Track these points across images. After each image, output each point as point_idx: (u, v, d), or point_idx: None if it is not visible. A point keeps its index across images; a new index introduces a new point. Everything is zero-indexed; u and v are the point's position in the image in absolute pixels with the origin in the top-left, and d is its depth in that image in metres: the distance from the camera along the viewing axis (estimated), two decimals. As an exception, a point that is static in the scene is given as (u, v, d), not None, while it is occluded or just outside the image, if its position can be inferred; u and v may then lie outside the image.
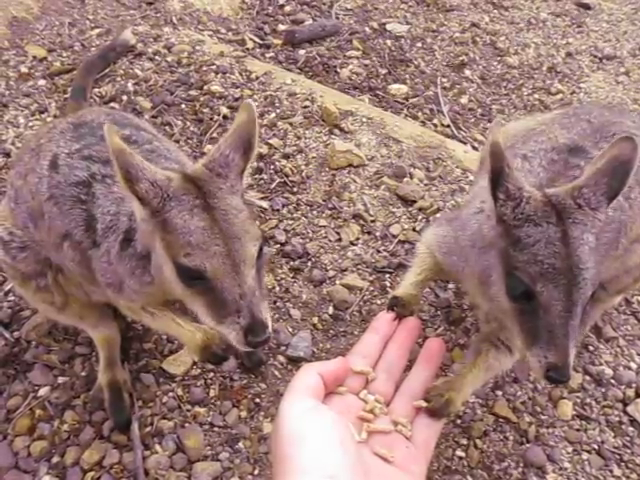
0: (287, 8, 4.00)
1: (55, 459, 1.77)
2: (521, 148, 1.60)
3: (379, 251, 2.38)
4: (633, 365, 2.10)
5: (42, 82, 3.02)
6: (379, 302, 2.20)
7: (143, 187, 1.17)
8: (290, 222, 2.46)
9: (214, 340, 1.49)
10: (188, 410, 1.89)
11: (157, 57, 3.22)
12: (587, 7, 4.46)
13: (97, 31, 3.37)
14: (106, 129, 1.14)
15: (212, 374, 1.97)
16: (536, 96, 3.62)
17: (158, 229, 1.19)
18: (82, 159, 1.51)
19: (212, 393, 1.93)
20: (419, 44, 3.90)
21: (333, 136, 2.84)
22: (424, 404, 1.18)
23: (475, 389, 1.52)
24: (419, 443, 1.10)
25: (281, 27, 3.82)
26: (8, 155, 2.64)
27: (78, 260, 1.54)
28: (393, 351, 1.22)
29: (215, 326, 1.17)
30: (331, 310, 2.17)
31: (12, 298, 2.13)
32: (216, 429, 1.86)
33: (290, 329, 2.10)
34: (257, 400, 1.92)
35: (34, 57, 3.13)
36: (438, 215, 2.50)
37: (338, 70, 3.52)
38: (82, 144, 1.53)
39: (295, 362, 2.01)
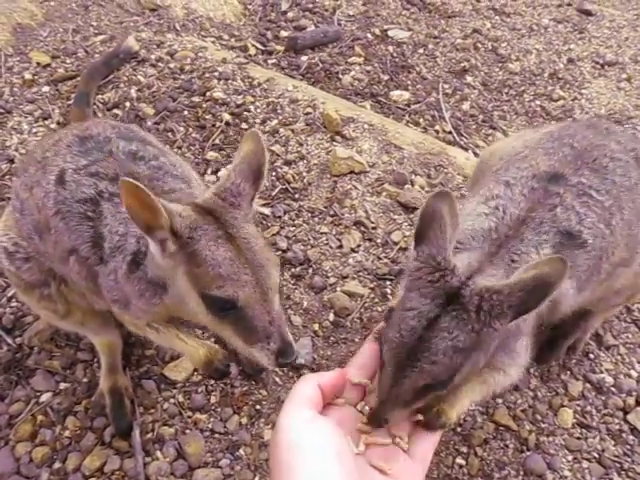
0: (289, 14, 4.02)
1: (57, 465, 1.78)
2: (504, 174, 1.60)
3: (380, 258, 2.38)
4: (634, 373, 2.10)
5: (46, 88, 3.04)
6: (380, 309, 2.21)
7: (177, 222, 1.16)
8: (291, 229, 2.47)
9: (217, 355, 1.51)
10: (189, 416, 1.89)
11: (160, 63, 3.24)
12: (589, 13, 4.47)
13: (100, 38, 3.39)
14: (133, 186, 1.11)
15: (213, 381, 1.97)
16: (538, 102, 3.63)
17: (183, 263, 1.19)
18: (89, 176, 1.50)
19: (213, 400, 1.94)
20: (421, 50, 3.91)
21: (335, 143, 2.85)
22: (420, 417, 1.18)
23: (473, 402, 1.51)
24: (416, 456, 1.10)
25: (283, 33, 3.84)
26: (12, 161, 2.65)
27: (84, 274, 1.55)
28: None
29: (245, 350, 1.17)
30: (332, 317, 2.18)
31: (15, 304, 2.14)
32: (217, 436, 1.86)
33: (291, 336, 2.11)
34: (258, 407, 1.93)
35: (38, 64, 3.15)
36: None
37: (340, 76, 3.54)
38: (89, 160, 1.53)
39: (296, 369, 2.02)
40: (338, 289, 2.26)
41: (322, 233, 2.46)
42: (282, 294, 1.25)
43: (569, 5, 4.57)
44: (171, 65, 3.24)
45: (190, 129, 2.89)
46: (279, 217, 2.52)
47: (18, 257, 1.69)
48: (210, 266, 1.15)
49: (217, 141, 2.83)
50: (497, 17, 4.36)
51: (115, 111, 2.94)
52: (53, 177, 1.54)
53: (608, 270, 1.60)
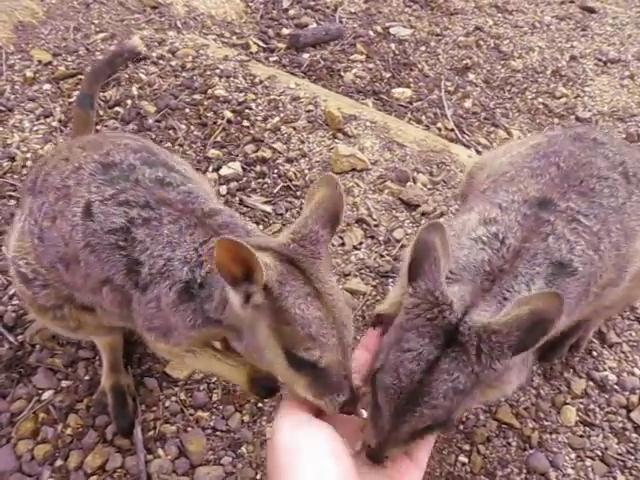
0: (291, 12, 4.01)
1: (58, 463, 1.78)
2: (494, 197, 1.59)
3: (382, 255, 2.38)
4: (637, 371, 2.09)
5: (47, 86, 3.03)
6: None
7: (267, 275, 1.09)
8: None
9: (261, 372, 1.46)
10: (191, 414, 1.89)
11: (161, 61, 3.23)
12: (591, 11, 4.45)
13: (102, 35, 3.38)
14: (230, 241, 1.05)
15: (215, 378, 1.97)
16: (540, 100, 3.62)
17: (269, 317, 1.13)
18: (118, 205, 1.44)
19: (215, 397, 1.93)
20: (423, 48, 3.90)
21: (337, 140, 2.85)
22: None
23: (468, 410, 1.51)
24: (413, 456, 1.11)
25: (285, 31, 3.82)
26: (13, 159, 2.65)
27: (118, 302, 1.49)
28: None
29: (313, 399, 1.15)
30: (334, 315, 2.17)
31: (16, 302, 2.14)
32: (219, 433, 1.86)
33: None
34: (260, 405, 1.92)
35: (39, 61, 3.14)
36: (441, 220, 2.50)
37: (342, 74, 3.53)
38: (116, 189, 1.46)
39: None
40: (340, 287, 2.25)
41: (324, 231, 2.45)
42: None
43: (572, 2, 4.55)
44: (172, 63, 3.23)
45: (191, 127, 2.88)
46: (281, 214, 2.51)
47: (36, 284, 1.64)
48: (300, 325, 1.09)
49: (219, 139, 2.83)
50: (499, 14, 4.35)
51: (117, 109, 2.93)
52: (79, 209, 1.47)
53: (596, 292, 1.59)
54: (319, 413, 1.10)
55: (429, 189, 2.66)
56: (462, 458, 1.86)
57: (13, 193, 2.52)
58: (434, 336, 1.14)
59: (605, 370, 2.09)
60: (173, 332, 1.43)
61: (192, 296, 1.34)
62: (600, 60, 3.96)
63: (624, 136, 3.37)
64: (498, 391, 1.44)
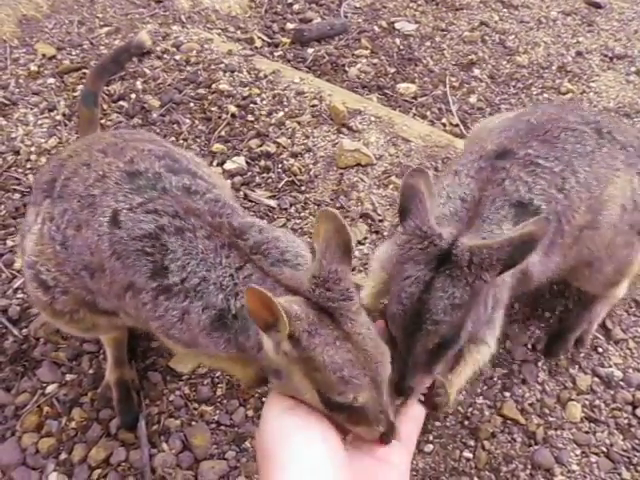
0: (296, 7, 4.00)
1: (63, 456, 1.78)
2: (453, 164, 1.66)
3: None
4: (643, 367, 2.09)
5: (51, 80, 3.03)
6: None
7: (295, 326, 1.08)
8: (298, 221, 2.46)
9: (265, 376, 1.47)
10: (195, 409, 1.89)
11: (166, 55, 3.23)
12: (598, 6, 4.42)
13: (106, 29, 3.38)
14: (255, 292, 1.04)
15: (219, 373, 1.97)
16: (545, 95, 3.59)
17: (301, 364, 1.12)
18: (147, 213, 1.42)
19: (219, 392, 1.93)
20: (428, 43, 3.88)
21: (341, 135, 2.84)
22: (421, 397, 1.23)
23: (467, 378, 1.61)
24: (401, 436, 1.11)
25: (289, 26, 3.81)
26: (17, 153, 2.65)
27: (138, 307, 1.47)
28: None
29: (352, 428, 1.14)
30: (338, 309, 2.16)
31: (21, 295, 2.14)
32: (223, 428, 1.86)
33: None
34: (264, 399, 1.92)
35: (43, 55, 3.14)
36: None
37: (346, 69, 3.51)
38: (144, 198, 1.44)
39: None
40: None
41: (328, 226, 2.44)
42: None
43: (578, -3, 4.53)
44: (177, 57, 3.22)
45: (196, 121, 2.88)
46: (285, 209, 2.50)
47: (57, 291, 1.62)
48: (330, 371, 1.08)
49: (223, 133, 2.82)
50: (505, 9, 4.32)
51: (121, 103, 2.93)
52: (106, 219, 1.45)
53: (573, 234, 1.65)
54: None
55: (434, 184, 2.65)
56: (467, 454, 1.85)
57: (17, 187, 2.52)
58: (428, 261, 1.26)
59: (611, 366, 2.08)
60: (197, 346, 1.42)
61: (226, 326, 1.33)
62: (606, 56, 3.93)
63: (630, 132, 3.35)
64: (487, 346, 1.56)
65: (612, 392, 2.01)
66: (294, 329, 1.08)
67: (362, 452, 1.06)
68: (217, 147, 2.75)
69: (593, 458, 1.86)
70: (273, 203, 2.52)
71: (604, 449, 1.88)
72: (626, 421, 1.95)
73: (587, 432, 1.92)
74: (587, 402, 1.99)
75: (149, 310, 1.42)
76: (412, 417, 1.18)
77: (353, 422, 1.12)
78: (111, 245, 1.43)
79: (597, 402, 1.99)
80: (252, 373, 1.53)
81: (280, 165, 2.68)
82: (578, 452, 1.88)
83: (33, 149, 2.68)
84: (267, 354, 1.18)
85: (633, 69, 3.82)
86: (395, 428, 1.12)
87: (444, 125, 3.22)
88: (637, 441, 1.90)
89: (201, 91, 3.02)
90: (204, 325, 1.35)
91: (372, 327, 1.16)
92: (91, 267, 1.51)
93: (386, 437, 1.10)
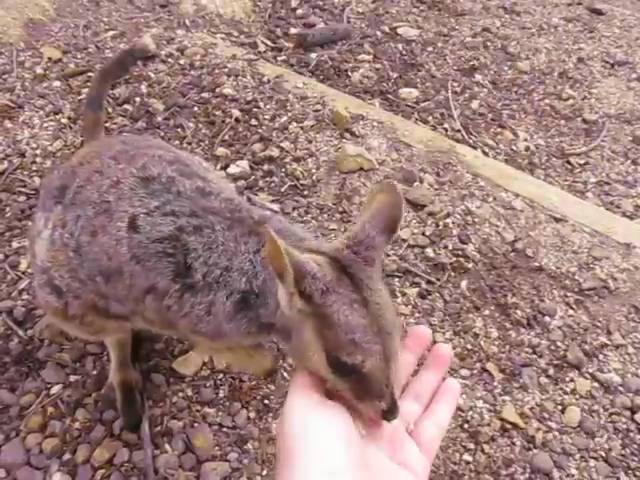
0: (299, 11, 4.03)
1: (66, 456, 1.79)
2: None
3: (388, 255, 2.39)
4: (642, 373, 2.10)
5: (57, 83, 3.05)
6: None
7: (307, 282, 1.08)
8: (300, 225, 2.48)
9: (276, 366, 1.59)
10: (197, 410, 1.91)
11: (170, 59, 3.26)
12: (599, 12, 4.45)
13: (111, 33, 3.41)
14: (268, 236, 1.04)
15: (222, 375, 1.99)
16: (547, 101, 3.62)
17: (312, 320, 1.12)
18: (164, 215, 1.44)
19: (221, 394, 1.95)
20: (430, 48, 3.91)
21: (344, 140, 2.86)
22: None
23: None
24: (423, 443, 1.11)
25: (293, 30, 3.84)
26: (23, 155, 2.67)
27: (160, 310, 1.49)
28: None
29: (354, 403, 1.17)
30: (340, 313, 2.18)
31: (26, 297, 2.16)
32: (225, 429, 1.87)
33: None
34: (266, 401, 1.94)
35: (49, 58, 3.17)
36: (447, 220, 2.52)
37: (349, 74, 3.54)
38: (161, 201, 1.46)
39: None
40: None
41: (331, 230, 2.46)
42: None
43: (579, 4, 4.56)
44: (181, 61, 3.25)
45: (200, 125, 2.90)
46: (288, 213, 2.52)
47: (69, 296, 1.64)
48: (342, 331, 1.09)
49: (226, 137, 2.84)
50: (507, 16, 4.35)
51: (125, 106, 2.95)
52: (124, 224, 1.47)
53: None
54: (330, 394, 1.11)
55: (435, 189, 2.67)
56: (466, 457, 1.87)
57: (23, 189, 2.54)
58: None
59: (610, 371, 2.09)
60: (223, 338, 1.44)
61: (249, 305, 1.35)
62: (607, 62, 3.96)
63: (631, 139, 3.37)
64: None
65: (611, 397, 2.02)
66: (305, 285, 1.08)
67: (385, 457, 1.04)
68: (221, 151, 2.77)
69: (592, 462, 1.88)
70: (276, 207, 2.54)
71: (603, 454, 1.90)
72: (625, 426, 1.96)
73: (586, 436, 1.93)
74: (586, 407, 2.00)
75: (175, 311, 1.44)
76: (435, 423, 1.14)
77: (357, 393, 1.11)
78: (130, 249, 1.45)
79: (596, 407, 2.00)
80: (266, 364, 1.59)
81: (283, 169, 2.71)
82: (577, 456, 1.89)
83: (39, 152, 2.70)
84: (282, 310, 1.19)
85: (634, 76, 3.85)
86: (398, 407, 1.10)
87: (446, 130, 3.24)
88: (636, 446, 1.92)
89: (205, 95, 3.05)
90: (229, 311, 1.37)
91: (389, 302, 1.16)
92: (107, 272, 1.52)
93: (388, 414, 1.09)
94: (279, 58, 3.59)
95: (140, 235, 1.44)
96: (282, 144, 2.81)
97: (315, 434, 0.95)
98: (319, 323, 1.11)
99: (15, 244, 2.32)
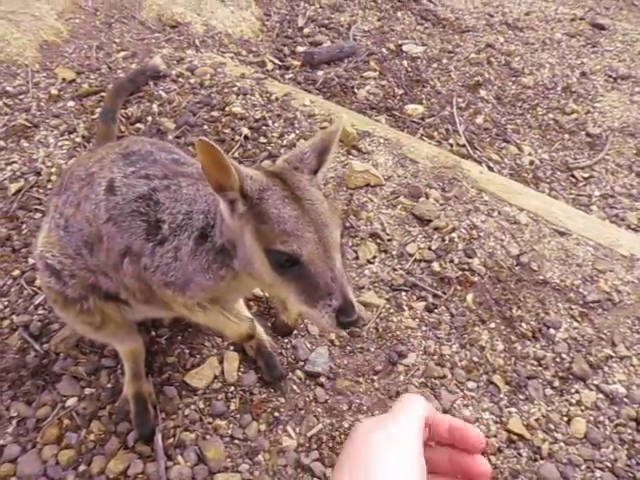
0: (306, 30, 4.11)
1: (82, 468, 1.83)
2: None
3: (395, 269, 2.43)
4: (647, 384, 2.12)
5: (71, 103, 3.14)
6: (395, 320, 2.25)
7: (247, 183, 1.25)
8: None
9: (255, 330, 1.68)
10: (209, 423, 1.94)
11: (180, 79, 3.34)
12: (601, 27, 4.51)
13: (123, 54, 3.50)
14: (205, 144, 1.19)
15: (233, 388, 2.03)
16: (551, 115, 3.67)
17: (251, 222, 1.26)
18: (140, 178, 1.59)
19: (232, 406, 1.99)
20: (435, 65, 3.97)
21: (351, 156, 2.92)
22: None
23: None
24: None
25: (300, 49, 3.92)
26: (39, 174, 2.75)
27: (137, 274, 1.60)
28: None
29: (307, 310, 1.20)
30: (348, 326, 2.22)
31: (42, 312, 2.22)
32: (236, 441, 1.91)
33: (308, 345, 2.16)
34: (276, 414, 1.97)
35: (63, 79, 3.26)
36: (453, 235, 2.56)
37: (355, 90, 3.61)
38: (137, 167, 1.63)
39: (313, 377, 2.07)
40: (355, 299, 2.30)
41: (338, 244, 2.51)
42: (345, 257, 1.37)
43: (582, 19, 4.62)
44: (191, 80, 3.33)
45: (210, 143, 2.96)
46: (296, 229, 2.57)
47: (65, 274, 1.74)
48: (276, 223, 1.21)
49: (236, 155, 2.91)
50: (510, 32, 4.42)
51: (138, 125, 3.03)
52: (102, 188, 1.62)
53: None
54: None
55: (441, 204, 2.72)
56: (473, 468, 1.89)
57: (39, 207, 2.61)
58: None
59: (615, 383, 2.12)
60: (190, 285, 1.53)
61: (206, 237, 1.47)
62: (610, 76, 4.01)
63: (635, 152, 3.41)
64: None
65: (616, 408, 2.05)
66: (246, 185, 1.23)
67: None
68: (230, 168, 2.83)
69: (598, 473, 1.90)
70: (284, 222, 2.59)
71: (608, 464, 1.92)
72: (630, 437, 1.98)
73: (592, 447, 1.95)
74: (592, 418, 2.02)
75: (148, 267, 1.54)
76: (480, 473, 0.94)
77: (305, 295, 1.16)
78: (107, 210, 1.58)
79: (601, 418, 2.02)
80: (243, 329, 1.63)
81: (291, 185, 2.76)
82: (583, 467, 1.91)
83: (53, 170, 2.78)
84: (225, 222, 1.32)
85: (637, 89, 3.90)
86: (353, 305, 1.14)
87: (451, 145, 3.29)
88: (641, 457, 1.94)
89: (215, 114, 3.12)
90: (191, 248, 1.48)
91: (324, 200, 1.30)
92: (90, 241, 1.65)
93: (343, 315, 1.12)
94: (287, 76, 3.67)
95: (117, 197, 1.58)
96: (290, 161, 2.87)
97: (383, 451, 0.86)
98: (257, 222, 1.23)
99: (31, 260, 2.39)
